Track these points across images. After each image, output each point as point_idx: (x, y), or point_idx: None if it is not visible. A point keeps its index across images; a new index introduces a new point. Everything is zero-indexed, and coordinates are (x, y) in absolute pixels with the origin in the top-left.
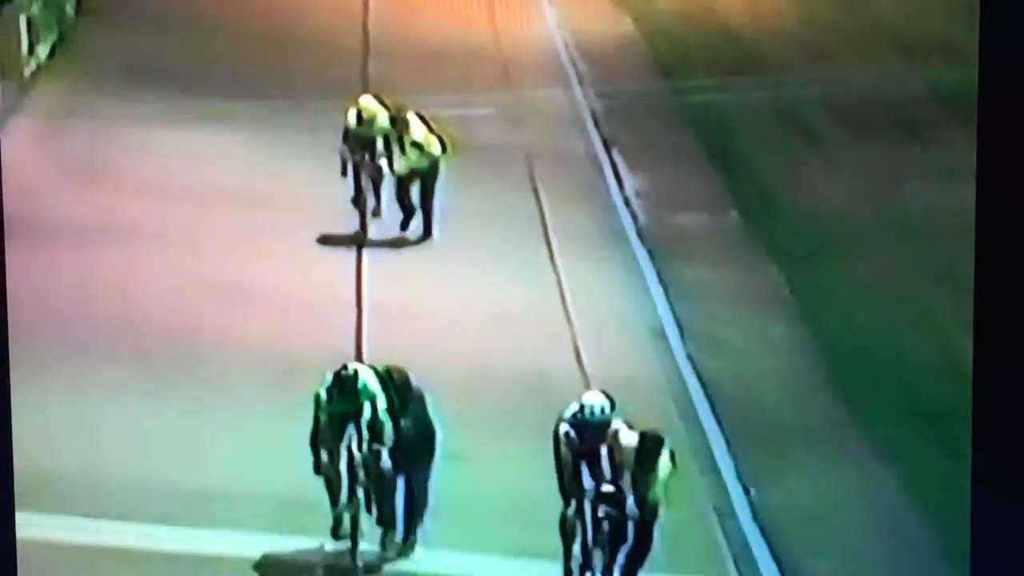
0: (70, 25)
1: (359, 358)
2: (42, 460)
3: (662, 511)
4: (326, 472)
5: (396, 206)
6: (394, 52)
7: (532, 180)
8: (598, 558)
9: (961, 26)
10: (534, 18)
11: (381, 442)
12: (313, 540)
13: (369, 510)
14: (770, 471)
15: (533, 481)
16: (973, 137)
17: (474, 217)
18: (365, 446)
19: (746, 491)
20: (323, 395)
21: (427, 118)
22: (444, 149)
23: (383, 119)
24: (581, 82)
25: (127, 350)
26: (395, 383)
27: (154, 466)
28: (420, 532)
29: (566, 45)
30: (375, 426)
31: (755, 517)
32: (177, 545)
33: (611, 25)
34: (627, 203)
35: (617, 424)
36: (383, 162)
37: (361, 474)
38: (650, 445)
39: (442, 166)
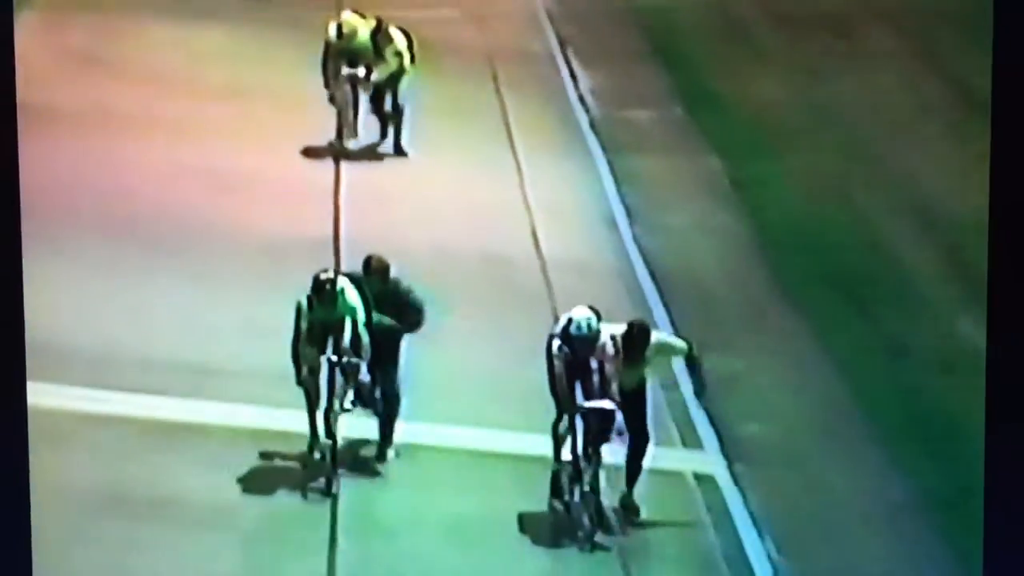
0: None
1: (336, 242)
2: (45, 331)
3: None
4: (306, 383)
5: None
6: None
7: (494, 79)
8: (587, 469)
9: None
10: None
11: (360, 356)
12: (301, 412)
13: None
14: (708, 343)
15: (496, 357)
16: (892, 32)
17: (440, 113)
18: (345, 358)
19: (689, 366)
20: (303, 303)
21: (406, 29)
22: (413, 60)
23: (364, 33)
24: None
25: (124, 229)
26: (372, 285)
27: (154, 341)
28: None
29: None
30: (355, 340)
31: (697, 388)
32: (176, 414)
33: None
34: (581, 100)
35: (605, 338)
36: (362, 72)
37: (339, 385)
38: (637, 335)
39: (411, 72)
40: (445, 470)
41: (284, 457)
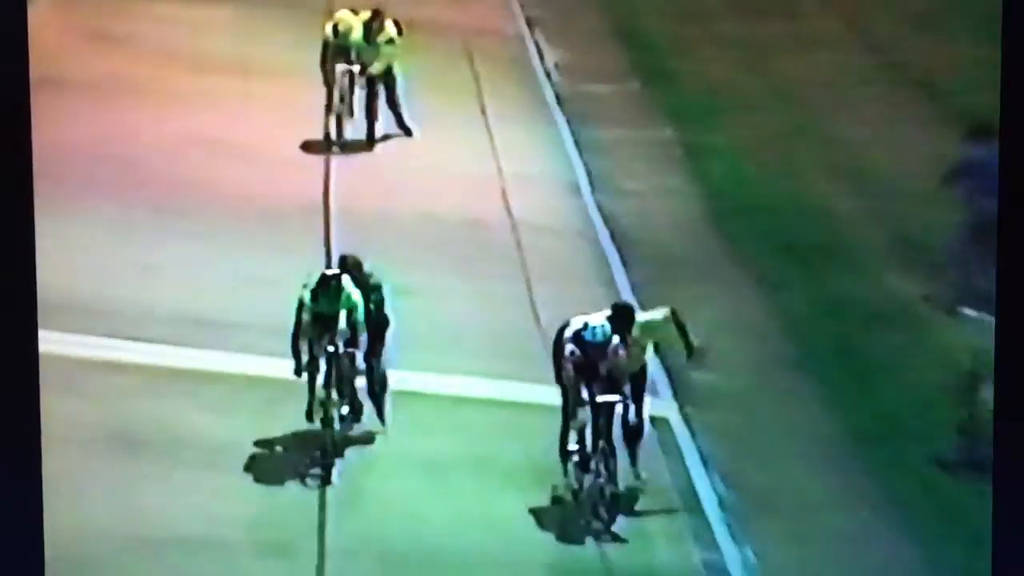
0: None
1: (326, 207)
2: (62, 285)
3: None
4: (307, 370)
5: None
6: None
7: (469, 54)
8: (595, 462)
9: None
10: None
11: (356, 346)
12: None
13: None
14: (662, 300)
15: (473, 312)
16: (834, 16)
17: (420, 86)
18: (343, 348)
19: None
20: (307, 296)
21: (399, 22)
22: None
23: (358, 31)
24: None
25: (135, 193)
26: (370, 286)
27: (161, 295)
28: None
29: None
30: (354, 331)
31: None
32: (179, 362)
33: None
34: (548, 75)
35: (615, 342)
36: (357, 68)
37: (335, 374)
38: (623, 313)
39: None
40: (427, 415)
41: (281, 401)
